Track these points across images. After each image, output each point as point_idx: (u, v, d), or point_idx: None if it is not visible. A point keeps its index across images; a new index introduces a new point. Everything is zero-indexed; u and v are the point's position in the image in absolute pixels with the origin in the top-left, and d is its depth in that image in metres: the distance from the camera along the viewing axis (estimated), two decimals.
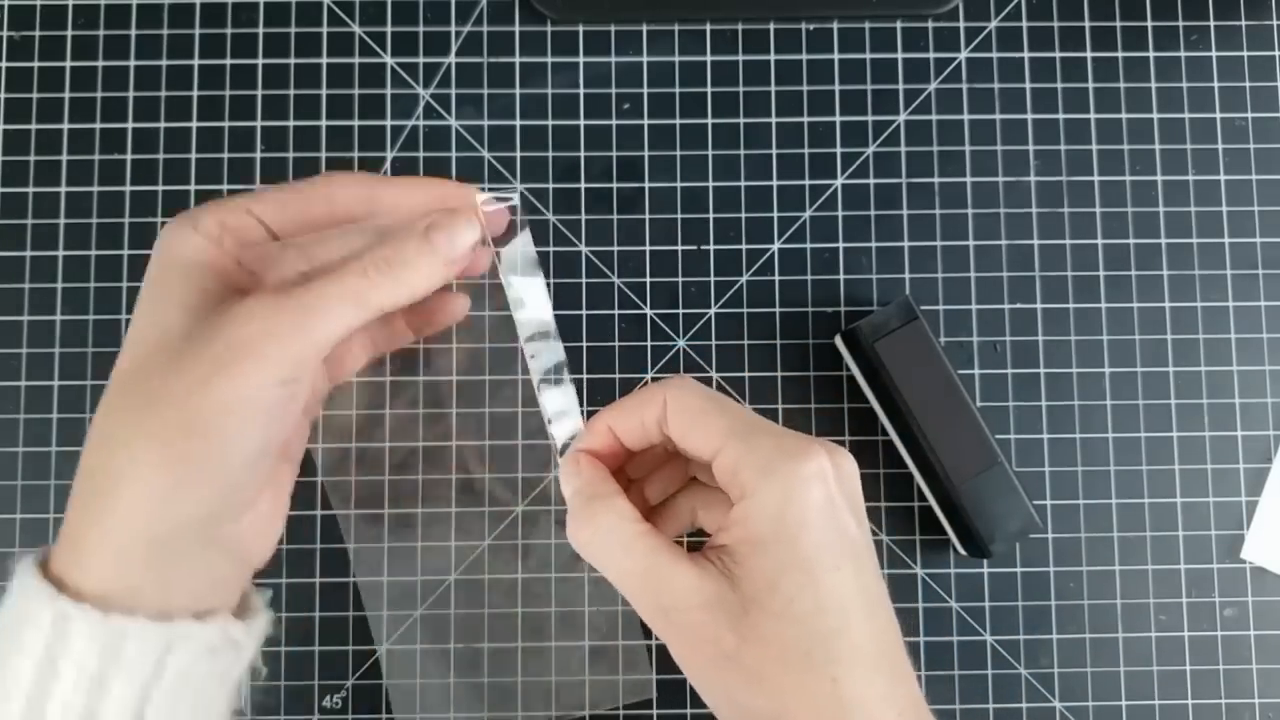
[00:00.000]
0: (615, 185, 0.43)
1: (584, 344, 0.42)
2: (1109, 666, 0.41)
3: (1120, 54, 0.44)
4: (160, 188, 0.43)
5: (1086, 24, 0.44)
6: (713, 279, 0.43)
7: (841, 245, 0.43)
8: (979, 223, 0.43)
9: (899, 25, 0.44)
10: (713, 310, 0.43)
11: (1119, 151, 0.43)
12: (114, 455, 0.26)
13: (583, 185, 0.43)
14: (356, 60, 0.43)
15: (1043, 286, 0.43)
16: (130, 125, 0.43)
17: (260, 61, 0.43)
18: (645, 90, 0.43)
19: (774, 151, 0.43)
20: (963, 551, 0.41)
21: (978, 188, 0.43)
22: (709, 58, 0.44)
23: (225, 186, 0.43)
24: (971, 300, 0.43)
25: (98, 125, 0.43)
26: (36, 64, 0.43)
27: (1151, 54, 0.44)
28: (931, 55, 0.44)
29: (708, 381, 0.42)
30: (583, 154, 0.43)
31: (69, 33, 0.43)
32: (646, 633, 0.41)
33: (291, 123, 0.43)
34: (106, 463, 0.26)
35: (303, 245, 0.29)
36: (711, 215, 0.43)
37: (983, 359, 0.42)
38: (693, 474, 0.33)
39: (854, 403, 0.42)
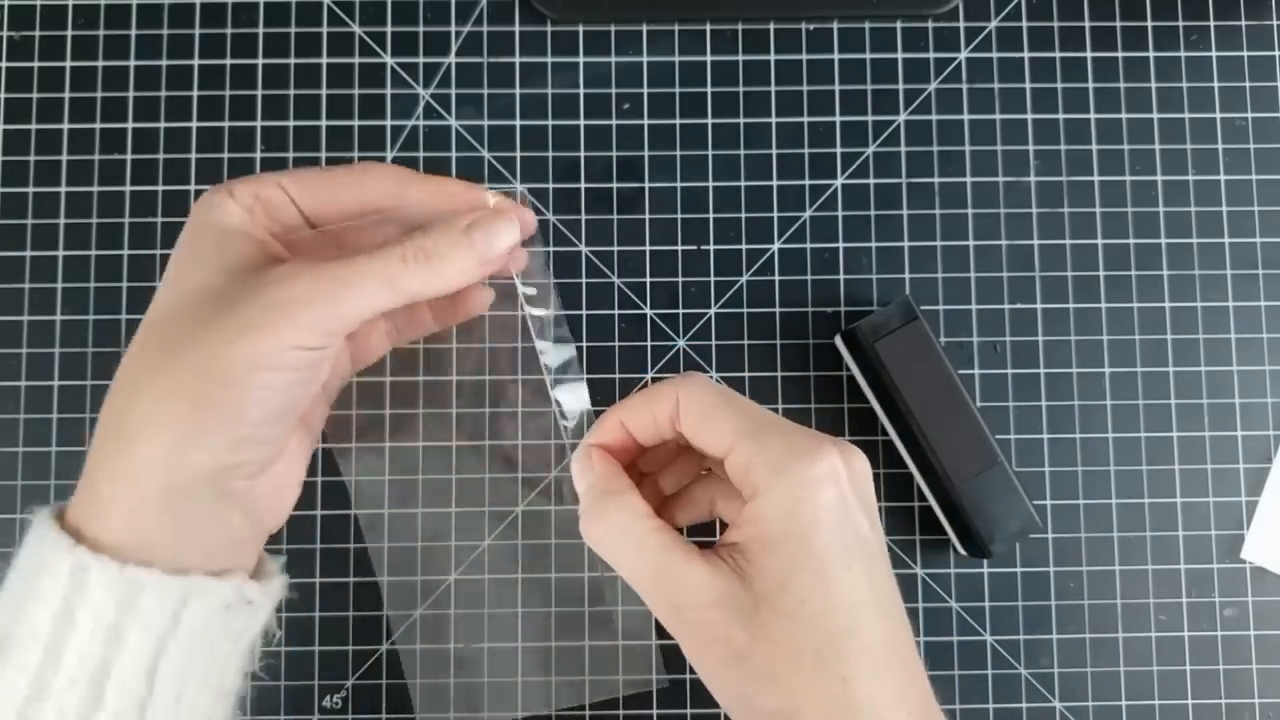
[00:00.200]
0: (615, 185, 0.43)
1: (584, 344, 0.42)
2: (1109, 666, 0.41)
3: (1120, 54, 0.44)
4: (160, 188, 0.43)
5: (1086, 24, 0.44)
6: (713, 279, 0.43)
7: (841, 245, 0.43)
8: (979, 223, 0.43)
9: (899, 25, 0.44)
10: (713, 310, 0.43)
11: (1119, 151, 0.43)
12: (136, 402, 0.26)
13: (583, 185, 0.43)
14: (356, 60, 0.43)
15: (1043, 286, 0.43)
16: (130, 125, 0.43)
17: (260, 61, 0.43)
18: (645, 90, 0.43)
19: (774, 151, 0.43)
20: (963, 551, 0.41)
21: (978, 188, 0.43)
22: (709, 58, 0.44)
23: None
24: (971, 300, 0.43)
25: (98, 125, 0.43)
26: (36, 64, 0.43)
27: (1151, 54, 0.44)
28: (931, 55, 0.44)
29: (709, 379, 0.42)
30: (583, 154, 0.43)
31: (69, 33, 0.43)
32: (657, 631, 0.41)
33: (291, 123, 0.43)
34: (128, 410, 0.26)
35: (334, 233, 0.30)
36: (711, 215, 0.43)
37: (983, 359, 0.42)
38: (707, 466, 0.33)
39: (854, 403, 0.42)
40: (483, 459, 0.41)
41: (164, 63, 0.43)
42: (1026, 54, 0.44)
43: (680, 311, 0.43)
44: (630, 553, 0.28)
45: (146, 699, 0.26)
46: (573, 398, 0.32)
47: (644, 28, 0.44)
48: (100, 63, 0.43)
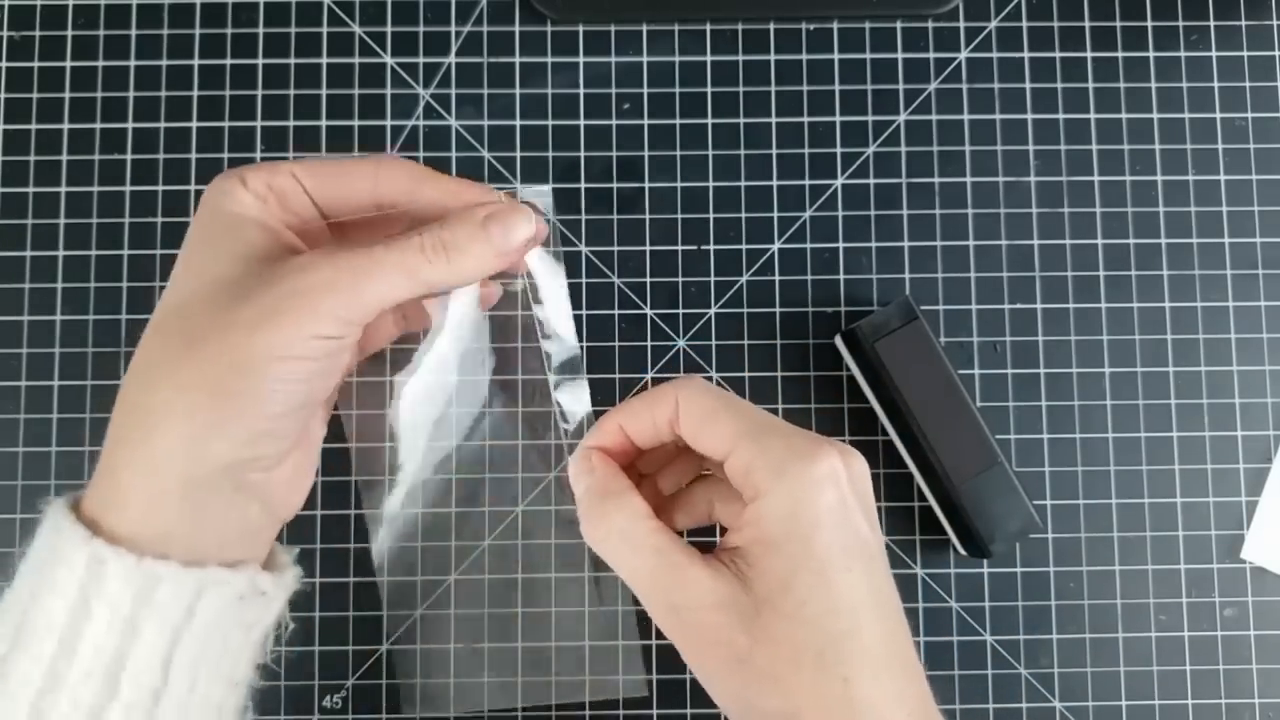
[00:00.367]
0: (615, 185, 0.43)
1: (584, 344, 0.42)
2: (1109, 666, 0.41)
3: (1120, 54, 0.44)
4: (160, 188, 0.43)
5: (1086, 24, 0.44)
6: (713, 279, 0.43)
7: (841, 245, 0.43)
8: (979, 223, 0.43)
9: (899, 25, 0.44)
10: (713, 310, 0.43)
11: (1119, 151, 0.43)
12: (155, 391, 0.26)
13: (583, 185, 0.43)
14: (356, 60, 0.43)
15: (1043, 286, 0.43)
16: (130, 125, 0.43)
17: (260, 61, 0.43)
18: (645, 90, 0.43)
19: (774, 151, 0.43)
20: (963, 551, 0.41)
21: (978, 188, 0.43)
22: (709, 58, 0.44)
23: None
24: (971, 300, 0.43)
25: (98, 125, 0.43)
26: (36, 64, 0.43)
27: (1151, 54, 0.44)
28: (931, 55, 0.44)
29: (707, 381, 0.42)
30: (583, 154, 0.43)
31: (69, 33, 0.43)
32: (644, 632, 0.41)
33: (291, 123, 0.43)
34: (147, 399, 0.26)
35: (339, 227, 0.30)
36: (711, 215, 0.43)
37: (983, 359, 0.42)
38: (706, 469, 0.33)
39: (854, 403, 0.42)
40: (483, 459, 0.41)
41: (164, 63, 0.43)
42: (1026, 54, 0.44)
43: (680, 311, 0.43)
44: (630, 554, 0.28)
45: (161, 690, 0.26)
46: (574, 399, 0.32)
47: (644, 28, 0.44)
48: (100, 63, 0.43)
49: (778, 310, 0.43)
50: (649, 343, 0.42)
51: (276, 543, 0.31)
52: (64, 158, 0.43)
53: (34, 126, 0.43)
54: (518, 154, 0.43)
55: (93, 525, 0.26)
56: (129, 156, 0.43)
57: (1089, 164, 0.43)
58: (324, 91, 0.43)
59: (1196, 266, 0.43)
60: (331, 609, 0.41)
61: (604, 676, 0.41)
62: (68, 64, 0.43)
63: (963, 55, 0.44)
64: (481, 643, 0.41)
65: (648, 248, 0.43)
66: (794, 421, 0.42)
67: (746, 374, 0.42)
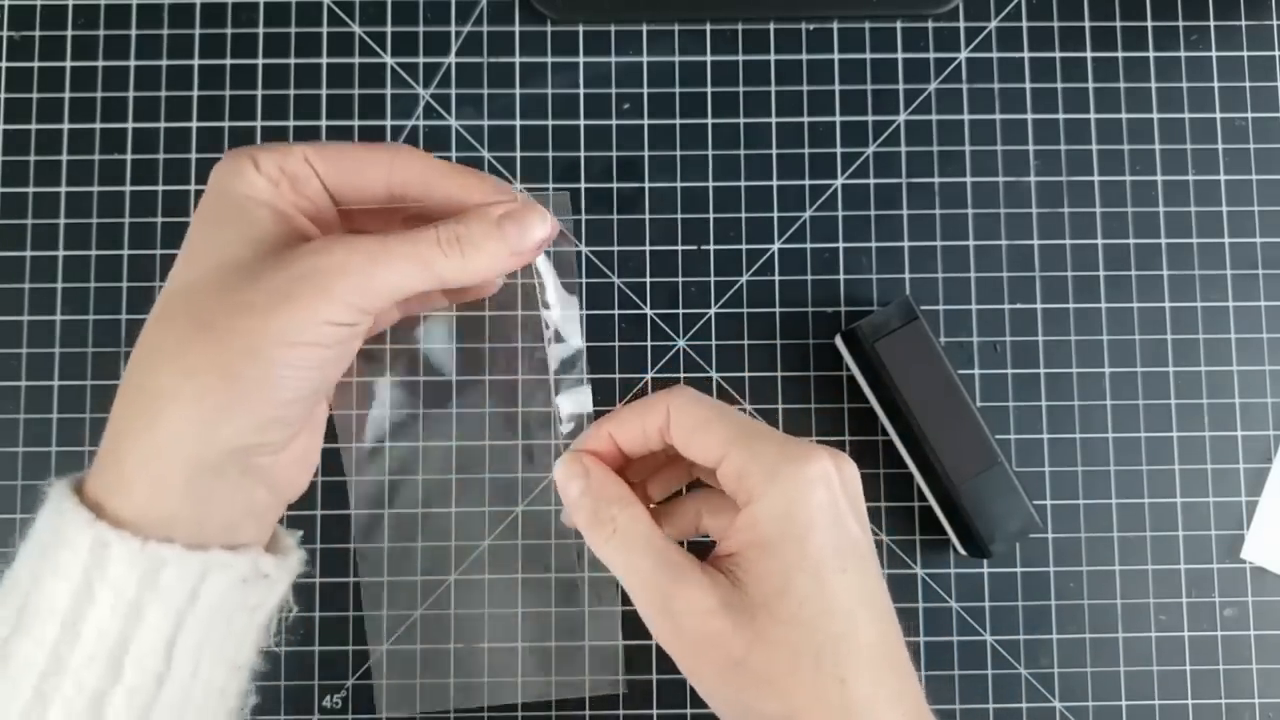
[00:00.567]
0: (615, 185, 0.43)
1: (584, 344, 0.42)
2: (1109, 666, 0.41)
3: (1120, 54, 0.44)
4: (160, 188, 0.43)
5: (1086, 24, 0.44)
6: (713, 279, 0.43)
7: (841, 245, 0.43)
8: (979, 223, 0.43)
9: (899, 25, 0.44)
10: (713, 310, 0.43)
11: (1119, 151, 0.43)
12: (162, 374, 0.25)
13: (583, 185, 0.43)
14: (356, 60, 0.43)
15: (1043, 286, 0.43)
16: (130, 125, 0.43)
17: (260, 61, 0.43)
18: (645, 90, 0.43)
19: (774, 151, 0.43)
20: (963, 551, 0.41)
21: (978, 188, 0.43)
22: (709, 58, 0.44)
23: None
24: (971, 300, 0.43)
25: (98, 125, 0.43)
26: (36, 64, 0.43)
27: (1151, 54, 0.44)
28: (931, 55, 0.44)
29: (707, 382, 0.42)
30: (583, 154, 0.43)
31: (69, 33, 0.43)
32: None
33: (291, 123, 0.43)
34: (153, 382, 0.25)
35: (346, 215, 0.30)
36: (711, 215, 0.43)
37: (983, 359, 0.42)
38: (696, 476, 0.33)
39: (854, 403, 0.42)
40: (483, 459, 0.41)
41: (164, 63, 0.43)
42: (1026, 54, 0.44)
43: (680, 311, 0.43)
44: (629, 557, 0.28)
45: (164, 673, 0.26)
46: (574, 402, 0.32)
47: (644, 28, 0.44)
48: (100, 63, 0.43)
49: (778, 310, 0.43)
50: (649, 343, 0.42)
51: (279, 525, 0.31)
52: (64, 158, 0.43)
53: (34, 126, 0.43)
54: (518, 154, 0.43)
55: (96, 508, 0.25)
56: (129, 156, 0.43)
57: (1089, 164, 0.43)
58: (324, 91, 0.43)
59: (1196, 266, 0.43)
60: (331, 609, 0.41)
61: (604, 676, 0.41)
62: (68, 64, 0.43)
63: (963, 55, 0.44)
64: (481, 643, 0.41)
65: (648, 248, 0.43)
66: (794, 421, 0.42)
67: (746, 374, 0.42)
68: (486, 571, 0.41)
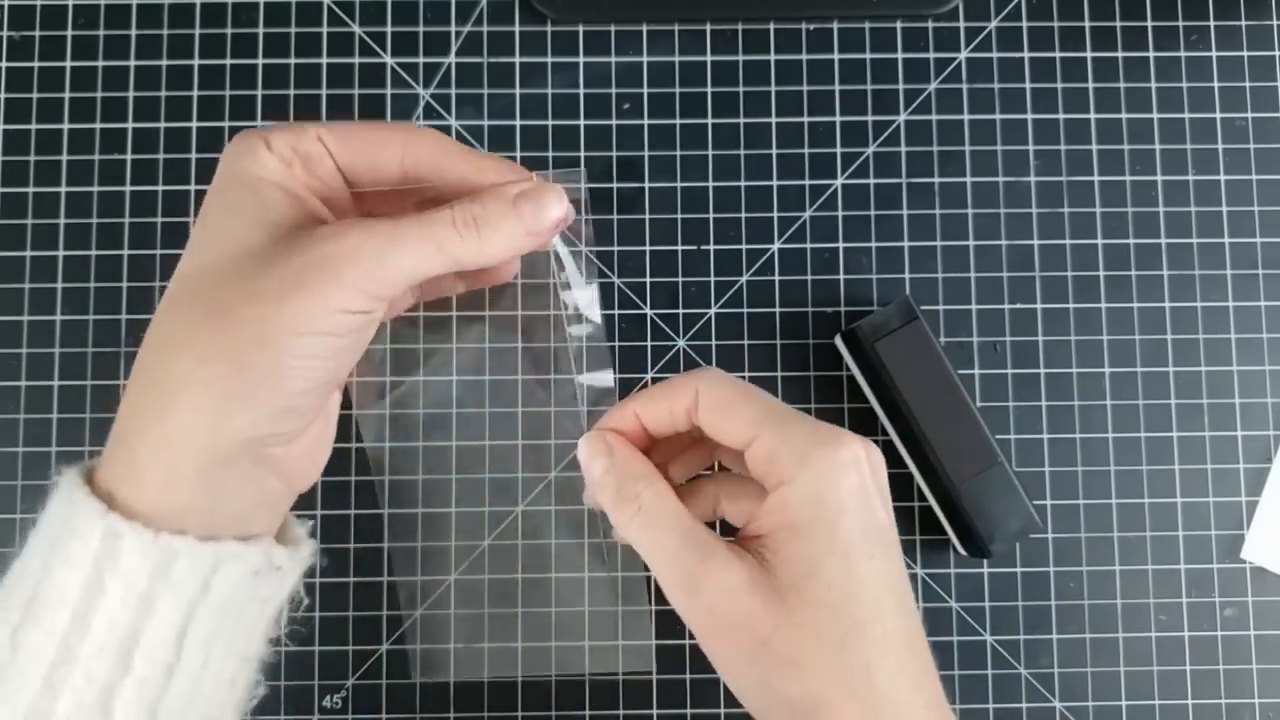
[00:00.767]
0: (615, 185, 0.43)
1: (584, 344, 0.42)
2: (1109, 666, 0.41)
3: (1120, 54, 0.44)
4: (160, 188, 0.43)
5: (1086, 24, 0.44)
6: (713, 279, 0.43)
7: (841, 245, 0.43)
8: (979, 223, 0.43)
9: (899, 25, 0.44)
10: (713, 310, 0.43)
11: (1119, 151, 0.43)
12: (175, 362, 0.25)
13: (583, 185, 0.43)
14: (356, 60, 0.43)
15: (1043, 286, 0.43)
16: (130, 125, 0.43)
17: (260, 61, 0.43)
18: (645, 90, 0.43)
19: (774, 151, 0.43)
20: (963, 551, 0.41)
21: (978, 188, 0.43)
22: (709, 58, 0.44)
23: None
24: (971, 300, 0.43)
25: (98, 125, 0.43)
26: (36, 64, 0.43)
27: (1151, 54, 0.44)
28: (931, 55, 0.44)
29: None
30: (583, 154, 0.43)
31: (69, 33, 0.43)
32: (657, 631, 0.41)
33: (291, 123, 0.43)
34: (165, 370, 0.25)
35: (359, 197, 0.29)
36: (711, 215, 0.43)
37: (983, 359, 0.42)
38: (718, 459, 0.33)
39: (854, 403, 0.42)
40: (483, 458, 0.41)
41: (164, 63, 0.43)
42: (1026, 54, 0.44)
43: (680, 311, 0.43)
44: (656, 534, 0.28)
45: (174, 665, 0.25)
46: (596, 380, 0.32)
47: (644, 28, 0.44)
48: (100, 63, 0.43)
49: (778, 310, 0.43)
50: (649, 343, 0.42)
51: (290, 515, 0.30)
52: (64, 158, 0.43)
53: (34, 126, 0.43)
54: (518, 154, 0.43)
55: (108, 499, 0.25)
56: (129, 156, 0.43)
57: (1089, 164, 0.43)
58: (324, 91, 0.43)
59: (1196, 266, 0.43)
60: (331, 609, 0.41)
61: (603, 676, 0.41)
62: (68, 64, 0.43)
63: (963, 55, 0.44)
64: (481, 643, 0.41)
65: (648, 248, 0.43)
66: None
67: (746, 374, 0.42)
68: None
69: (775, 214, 0.43)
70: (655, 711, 0.41)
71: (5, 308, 0.42)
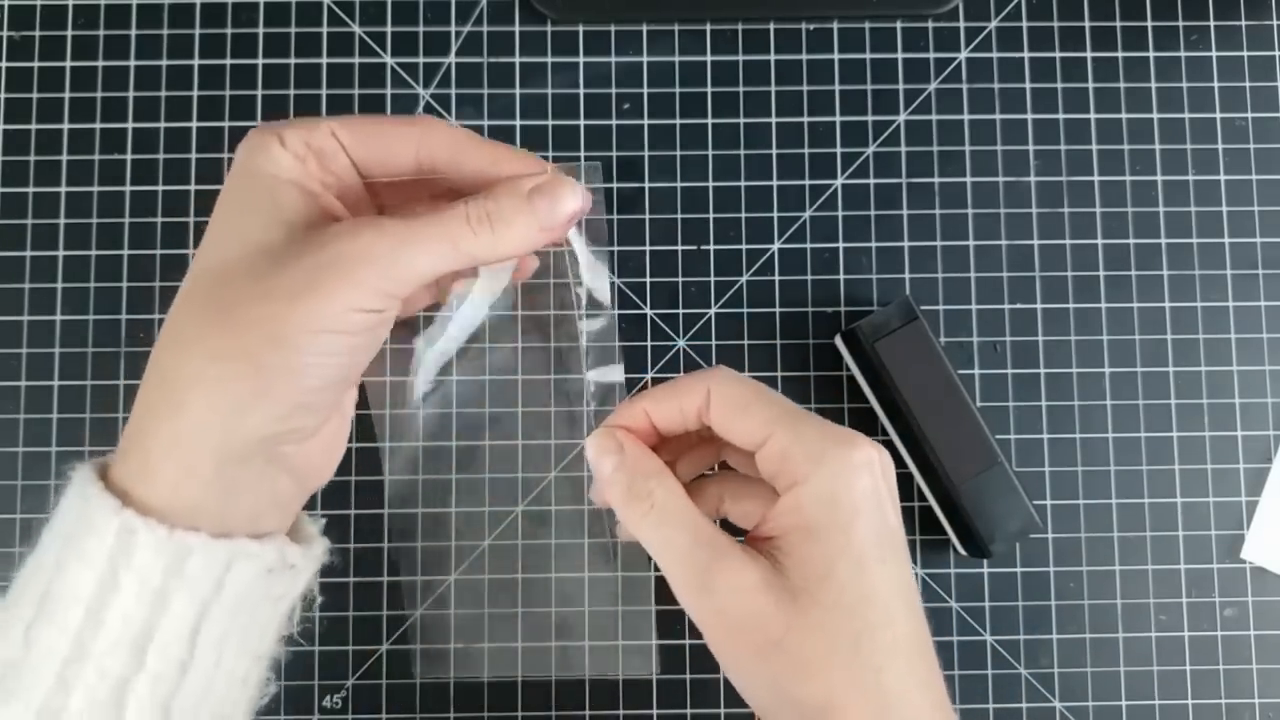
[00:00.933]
0: (615, 185, 0.43)
1: (584, 344, 0.42)
2: (1109, 666, 0.41)
3: (1120, 54, 0.44)
4: (160, 188, 0.43)
5: (1086, 24, 0.44)
6: (713, 279, 0.43)
7: (841, 245, 0.43)
8: (979, 223, 0.43)
9: (899, 25, 0.44)
10: (713, 310, 0.43)
11: (1119, 151, 0.43)
12: (188, 360, 0.25)
13: (582, 185, 0.43)
14: (356, 60, 0.43)
15: (1043, 286, 0.43)
16: (130, 125, 0.43)
17: (260, 61, 0.43)
18: (645, 90, 0.43)
19: (774, 151, 0.43)
20: (963, 551, 0.41)
21: (978, 188, 0.43)
22: (709, 58, 0.44)
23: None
24: (971, 300, 0.43)
25: (98, 125, 0.43)
26: (36, 64, 0.43)
27: (1151, 54, 0.44)
28: (931, 55, 0.44)
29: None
30: (583, 154, 0.43)
31: (69, 33, 0.43)
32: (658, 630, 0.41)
33: None
34: (179, 368, 0.25)
35: (376, 189, 0.29)
36: (711, 215, 0.43)
37: (983, 359, 0.42)
38: (724, 458, 0.33)
39: (854, 403, 0.42)
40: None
41: (164, 63, 0.43)
42: (1026, 54, 0.44)
43: (680, 311, 0.43)
44: (667, 532, 0.28)
45: (187, 662, 0.25)
46: (605, 375, 0.32)
47: (644, 28, 0.44)
48: (100, 63, 0.43)
49: (778, 310, 0.43)
50: (649, 343, 0.42)
51: (303, 512, 0.30)
52: (64, 158, 0.43)
53: (34, 126, 0.43)
54: None
55: (122, 495, 0.25)
56: (129, 156, 0.43)
57: (1089, 164, 0.43)
58: (324, 91, 0.43)
59: (1196, 266, 0.43)
60: (331, 609, 0.41)
61: (603, 676, 0.41)
62: (68, 64, 0.43)
63: (963, 55, 0.44)
64: (481, 643, 0.41)
65: (648, 248, 0.43)
66: None
67: (746, 374, 0.42)
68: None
69: (775, 214, 0.43)
70: (655, 711, 0.41)
71: (5, 308, 0.42)
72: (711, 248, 0.43)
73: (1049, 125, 0.43)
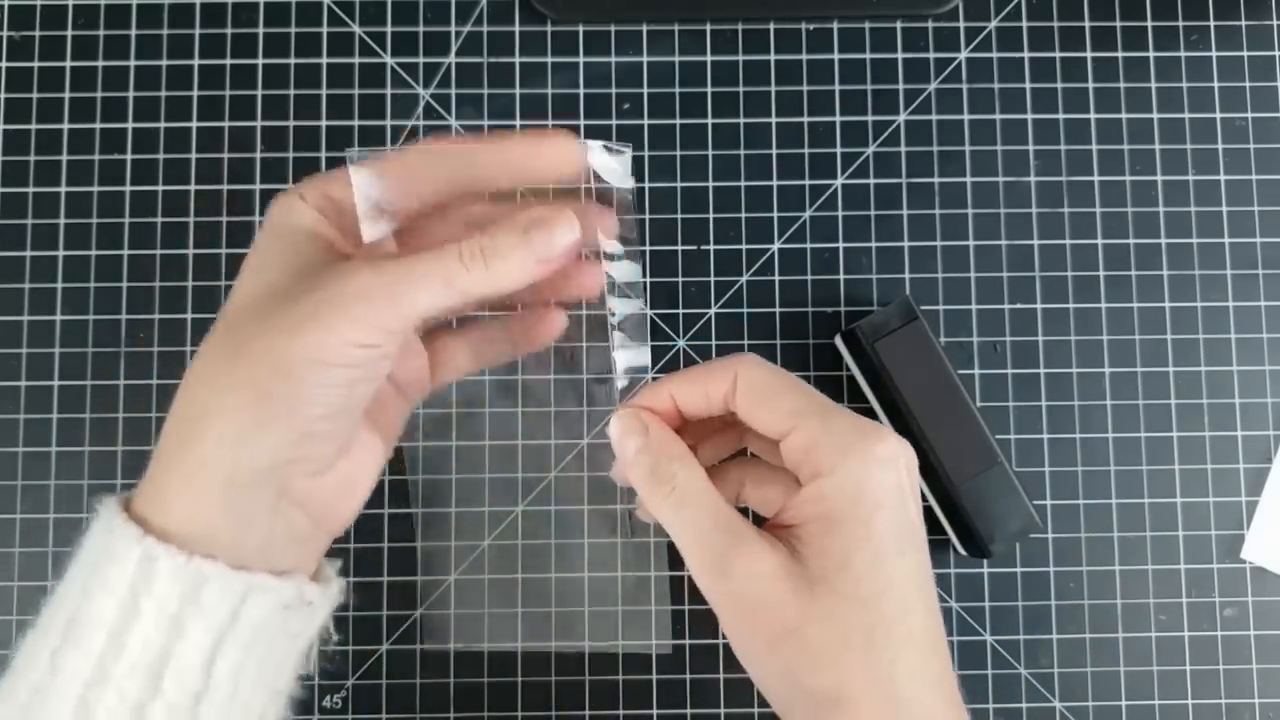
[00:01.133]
0: (615, 186, 0.43)
1: (584, 344, 0.42)
2: (1109, 666, 0.41)
3: (1120, 54, 0.44)
4: (160, 188, 0.43)
5: (1086, 24, 0.44)
6: (713, 279, 0.43)
7: (841, 245, 0.43)
8: (979, 223, 0.43)
9: (899, 25, 0.44)
10: (713, 310, 0.43)
11: (1119, 151, 0.43)
12: (201, 396, 0.26)
13: (582, 185, 0.43)
14: (356, 60, 0.43)
15: (1043, 286, 0.43)
16: (130, 125, 0.43)
17: (260, 61, 0.43)
18: (645, 90, 0.43)
19: (774, 151, 0.43)
20: (963, 551, 0.41)
21: (978, 188, 0.43)
22: (709, 58, 0.44)
23: (225, 187, 0.43)
24: (971, 300, 0.43)
25: (98, 125, 0.43)
26: (36, 64, 0.43)
27: (1151, 54, 0.44)
28: (931, 55, 0.44)
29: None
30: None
31: (69, 33, 0.43)
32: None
33: (291, 123, 0.43)
34: (193, 404, 0.26)
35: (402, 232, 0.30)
36: (711, 215, 0.43)
37: (983, 359, 0.42)
38: (746, 445, 0.33)
39: (854, 403, 0.42)
40: (483, 457, 0.41)
41: (164, 63, 0.43)
42: (1026, 54, 0.44)
43: (680, 311, 0.43)
44: (688, 515, 0.29)
45: (202, 693, 0.26)
46: (633, 358, 0.32)
47: (644, 28, 0.44)
48: (100, 63, 0.43)
49: (778, 310, 0.43)
50: (649, 343, 0.42)
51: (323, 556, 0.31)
52: (64, 158, 0.43)
53: (34, 126, 0.43)
54: None
55: (142, 523, 0.26)
56: (129, 156, 0.43)
57: (1089, 164, 0.43)
58: (324, 91, 0.43)
59: (1196, 266, 0.43)
60: None
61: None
62: (68, 64, 0.43)
63: (963, 55, 0.44)
64: (481, 643, 0.41)
65: (648, 248, 0.43)
66: None
67: None
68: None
69: (775, 214, 0.43)
70: (655, 712, 0.41)
71: (5, 308, 0.42)
72: (711, 248, 0.43)
73: (1049, 125, 0.43)
